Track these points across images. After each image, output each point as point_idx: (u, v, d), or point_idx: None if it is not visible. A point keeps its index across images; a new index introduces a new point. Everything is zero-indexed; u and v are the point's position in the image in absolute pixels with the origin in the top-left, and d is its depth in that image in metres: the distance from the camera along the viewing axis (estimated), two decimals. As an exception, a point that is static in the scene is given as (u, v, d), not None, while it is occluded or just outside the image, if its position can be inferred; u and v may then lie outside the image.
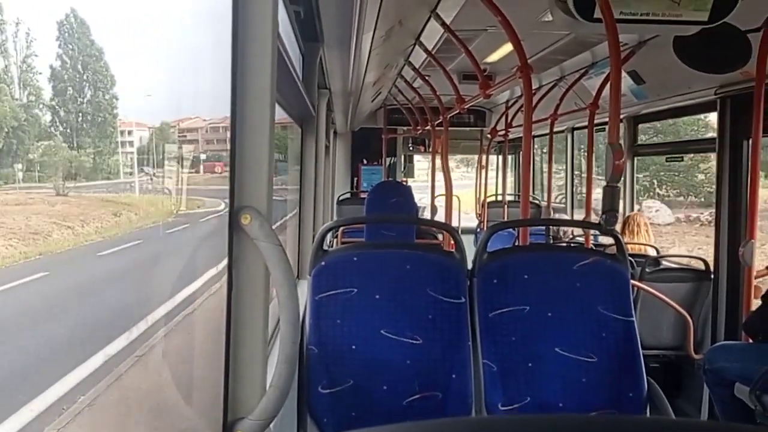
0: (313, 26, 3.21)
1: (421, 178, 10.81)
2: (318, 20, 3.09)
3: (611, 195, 2.42)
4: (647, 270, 4.33)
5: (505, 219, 7.86)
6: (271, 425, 1.43)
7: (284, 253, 1.36)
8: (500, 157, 9.72)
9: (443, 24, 3.85)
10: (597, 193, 5.52)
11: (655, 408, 2.47)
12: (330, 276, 2.49)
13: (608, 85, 4.42)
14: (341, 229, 5.89)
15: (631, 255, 3.69)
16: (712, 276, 4.24)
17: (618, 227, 3.22)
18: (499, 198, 8.61)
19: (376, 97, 7.67)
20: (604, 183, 2.61)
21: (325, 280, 2.49)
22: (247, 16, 1.35)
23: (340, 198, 8.12)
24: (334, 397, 2.42)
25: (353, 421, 2.42)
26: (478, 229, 8.17)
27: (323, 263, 2.50)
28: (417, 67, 5.39)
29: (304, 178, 4.10)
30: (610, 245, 4.41)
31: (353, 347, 2.46)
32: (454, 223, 7.26)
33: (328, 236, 3.23)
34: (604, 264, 2.59)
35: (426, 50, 4.65)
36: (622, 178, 3.71)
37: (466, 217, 9.41)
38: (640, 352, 2.51)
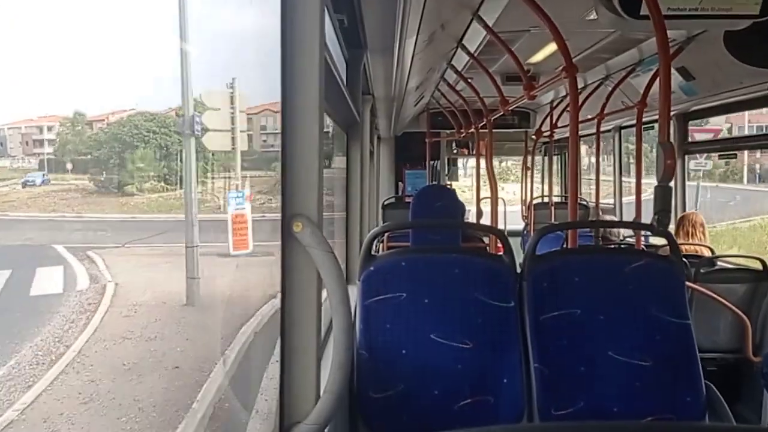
0: (357, 33, 3.24)
1: (467, 184, 10.79)
2: (361, 27, 3.11)
3: (663, 195, 2.38)
4: (702, 271, 4.22)
5: (552, 220, 7.76)
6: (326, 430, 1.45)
7: (336, 259, 1.38)
8: (546, 158, 9.61)
9: (486, 26, 3.84)
10: (647, 194, 5.41)
11: (715, 413, 2.40)
12: (379, 281, 2.50)
13: (656, 83, 4.34)
14: (387, 233, 5.91)
15: (684, 256, 3.61)
16: None
17: (671, 227, 3.15)
18: (545, 199, 8.51)
19: (419, 101, 7.67)
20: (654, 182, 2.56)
21: (374, 285, 2.50)
22: (295, 29, 1.38)
23: (385, 203, 8.15)
24: (385, 402, 2.43)
25: (405, 425, 2.42)
26: (525, 231, 8.09)
27: (372, 268, 2.51)
28: (459, 69, 5.38)
29: (351, 184, 4.13)
30: (662, 246, 4.32)
31: (403, 352, 2.46)
32: (500, 226, 7.21)
33: (374, 242, 3.25)
34: (657, 266, 2.54)
35: (468, 53, 4.63)
36: (674, 177, 3.64)
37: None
38: (698, 356, 2.45)
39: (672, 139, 5.18)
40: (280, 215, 1.40)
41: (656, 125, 5.85)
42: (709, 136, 7.96)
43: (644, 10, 2.57)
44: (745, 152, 9.98)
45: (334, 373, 1.37)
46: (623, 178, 7.39)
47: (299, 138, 1.41)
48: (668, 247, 2.60)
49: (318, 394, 1.44)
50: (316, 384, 1.45)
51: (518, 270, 2.59)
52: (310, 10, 1.40)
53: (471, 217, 8.34)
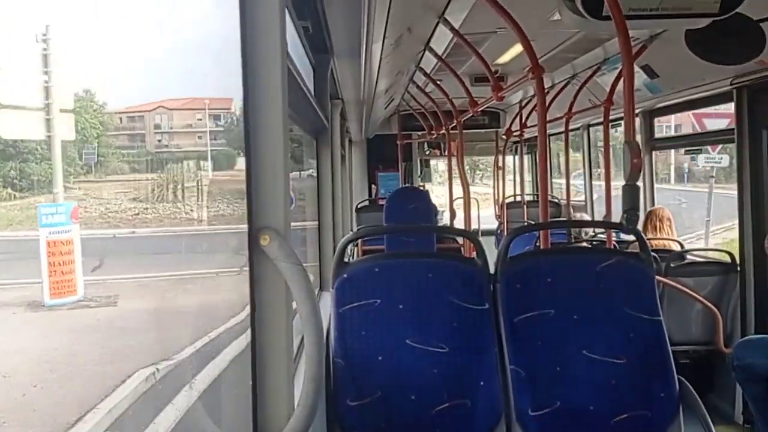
0: (322, 39, 3.23)
1: (442, 191, 10.81)
2: (327, 33, 3.10)
3: (631, 193, 2.40)
4: (672, 265, 4.28)
5: (525, 219, 7.82)
6: None
7: (305, 272, 1.36)
8: (516, 158, 9.68)
9: (452, 28, 3.85)
10: (616, 189, 5.47)
11: (688, 407, 2.43)
12: (353, 288, 2.49)
13: (621, 81, 4.38)
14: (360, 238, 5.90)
15: (654, 250, 3.65)
16: (739, 268, 4.18)
17: (639, 223, 3.19)
18: (518, 198, 8.57)
19: (389, 104, 7.68)
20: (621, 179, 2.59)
21: (348, 292, 2.49)
22: (255, 39, 1.36)
23: (359, 206, 8.13)
24: (363, 409, 2.42)
25: (383, 431, 2.42)
26: (499, 231, 8.13)
27: (345, 275, 2.50)
28: (428, 72, 5.39)
29: (322, 189, 4.11)
30: (633, 242, 4.37)
31: (379, 358, 2.46)
32: (474, 226, 7.24)
33: (349, 246, 3.24)
34: (628, 263, 2.57)
35: (436, 55, 4.64)
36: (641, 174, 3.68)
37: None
38: (670, 351, 2.48)
39: (638, 136, 5.25)
40: (247, 228, 1.38)
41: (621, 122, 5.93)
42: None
43: (606, 11, 2.59)
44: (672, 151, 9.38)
45: (306, 386, 1.35)
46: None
47: (264, 149, 1.39)
48: (638, 243, 2.63)
49: (292, 408, 1.42)
50: (289, 398, 1.43)
51: (492, 271, 2.60)
52: (270, 18, 1.38)
53: (445, 216, 8.37)
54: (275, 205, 1.39)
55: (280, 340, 1.41)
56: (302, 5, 2.65)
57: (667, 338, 2.50)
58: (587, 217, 7.03)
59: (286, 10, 1.51)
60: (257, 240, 1.36)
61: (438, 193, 10.47)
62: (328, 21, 2.82)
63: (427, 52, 4.65)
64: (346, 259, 2.57)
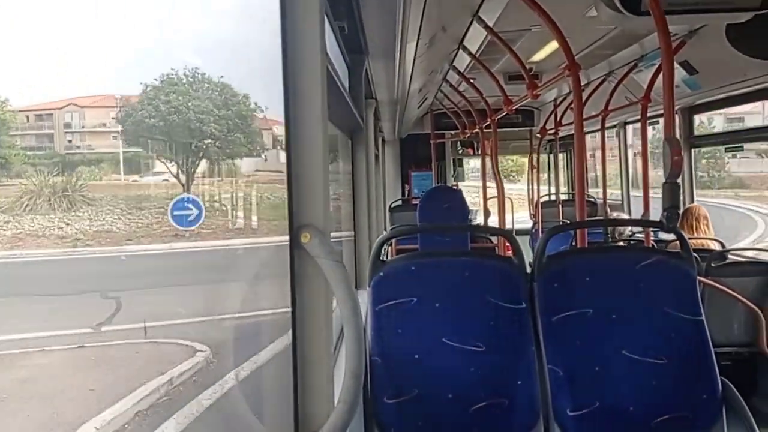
0: (357, 39, 3.25)
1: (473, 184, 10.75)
2: (362, 33, 3.12)
3: (671, 191, 2.36)
4: (713, 264, 4.20)
5: (560, 218, 7.75)
6: None
7: (345, 269, 1.37)
8: (551, 156, 9.59)
9: (486, 27, 3.84)
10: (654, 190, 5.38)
11: (731, 409, 2.39)
12: (389, 286, 2.50)
13: (660, 78, 4.32)
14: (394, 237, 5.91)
15: (693, 250, 3.58)
16: None
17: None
18: (553, 197, 8.49)
19: (422, 103, 7.67)
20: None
21: (384, 291, 2.50)
22: (296, 40, 1.38)
23: (392, 205, 8.14)
24: (400, 407, 2.43)
25: (420, 430, 2.42)
26: (533, 230, 8.07)
27: (382, 274, 2.51)
28: (462, 70, 5.38)
29: (357, 189, 4.13)
30: (671, 241, 4.31)
31: (416, 356, 2.46)
32: (508, 226, 7.19)
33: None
34: (668, 263, 2.53)
35: (470, 54, 4.63)
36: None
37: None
38: (712, 352, 2.44)
39: (677, 134, 5.17)
40: (288, 226, 1.40)
41: (661, 120, 5.83)
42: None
43: (645, 6, 2.56)
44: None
45: (347, 382, 1.36)
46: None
47: (304, 148, 1.41)
48: (678, 242, 2.59)
49: (332, 404, 1.44)
50: (329, 393, 1.45)
51: (528, 270, 2.58)
52: (310, 20, 1.40)
53: (478, 216, 8.34)
54: (315, 203, 1.40)
55: (321, 337, 1.42)
56: (338, 5, 2.67)
57: (709, 339, 2.45)
58: (624, 217, 6.93)
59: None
60: (298, 237, 1.38)
61: (468, 193, 10.42)
62: (363, 21, 2.84)
63: (460, 51, 4.64)
64: (382, 258, 2.58)
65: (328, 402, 1.45)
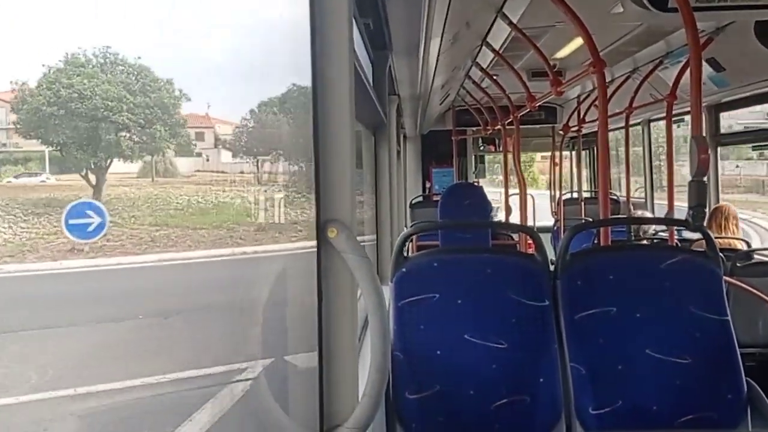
0: (382, 35, 3.26)
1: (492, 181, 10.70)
2: (387, 29, 3.13)
3: (698, 190, 2.34)
4: (738, 264, 4.15)
5: (583, 216, 7.70)
6: None
7: (371, 264, 1.39)
8: (574, 154, 9.53)
9: (510, 23, 3.82)
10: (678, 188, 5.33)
11: (756, 410, 2.37)
12: (411, 282, 2.51)
13: (686, 75, 4.27)
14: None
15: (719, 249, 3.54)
16: None
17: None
18: (575, 195, 8.44)
19: (445, 100, 7.66)
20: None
21: (406, 287, 2.51)
22: (324, 37, 1.39)
23: (413, 201, 8.14)
24: (421, 403, 2.44)
25: (441, 426, 2.43)
26: (555, 228, 8.03)
27: (404, 270, 2.52)
28: (485, 67, 5.36)
29: (380, 185, 4.15)
30: (696, 240, 4.26)
31: (438, 352, 2.47)
32: (529, 223, 7.16)
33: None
34: (694, 262, 2.51)
35: (493, 50, 4.62)
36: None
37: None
38: (738, 352, 2.42)
39: (703, 131, 5.11)
40: (315, 221, 1.42)
41: (686, 117, 5.77)
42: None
43: (672, 3, 2.54)
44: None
45: (372, 376, 1.38)
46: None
47: (331, 144, 1.42)
48: (704, 241, 2.57)
49: (356, 397, 1.46)
50: (354, 387, 1.46)
51: (551, 268, 2.58)
52: (339, 17, 1.41)
53: (499, 213, 8.31)
54: (342, 199, 1.42)
55: (347, 331, 1.44)
56: (364, 2, 2.68)
57: (735, 339, 2.43)
58: (648, 215, 6.87)
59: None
60: (325, 232, 1.39)
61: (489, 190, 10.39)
62: (388, 18, 2.85)
63: (484, 47, 4.63)
64: (404, 254, 2.59)
65: (353, 396, 1.46)
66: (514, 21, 3.81)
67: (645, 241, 5.68)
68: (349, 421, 1.42)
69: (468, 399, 2.44)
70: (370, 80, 3.41)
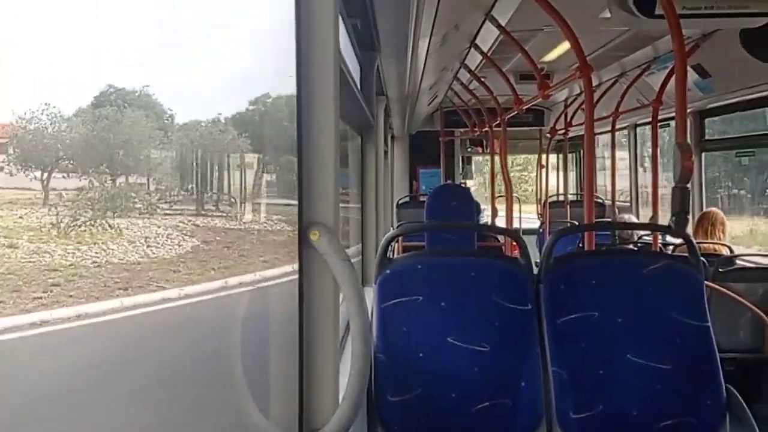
0: (370, 36, 3.25)
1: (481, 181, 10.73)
2: (375, 30, 3.12)
3: (681, 196, 2.35)
4: (720, 270, 4.18)
5: (568, 219, 7.73)
6: None
7: (353, 268, 1.38)
8: (560, 156, 9.57)
9: (498, 26, 3.83)
10: (663, 190, 5.37)
11: (735, 416, 2.38)
12: (395, 284, 2.51)
13: (672, 81, 4.30)
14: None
15: (702, 254, 3.57)
16: None
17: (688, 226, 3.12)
18: (561, 198, 8.48)
19: (433, 101, 7.67)
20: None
21: (390, 289, 2.50)
22: (309, 37, 1.38)
23: (400, 202, 8.14)
24: (403, 405, 2.43)
25: (423, 428, 2.43)
26: (540, 230, 8.06)
27: (388, 272, 2.51)
28: (473, 69, 5.37)
29: (366, 186, 4.14)
30: (680, 245, 4.29)
31: (420, 355, 2.47)
32: (515, 225, 7.18)
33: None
34: (676, 267, 2.52)
35: (482, 52, 4.63)
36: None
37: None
38: (718, 358, 2.43)
39: (688, 137, 5.15)
40: (297, 224, 1.41)
41: (672, 123, 5.81)
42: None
43: (659, 9, 2.55)
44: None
45: (353, 379, 1.37)
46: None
47: (315, 146, 1.41)
48: (686, 247, 2.59)
49: (337, 401, 1.45)
50: (335, 391, 1.46)
51: (535, 271, 2.58)
52: (325, 17, 1.40)
53: (485, 216, 8.33)
54: (325, 202, 1.41)
55: (328, 334, 1.43)
56: (351, 2, 2.67)
57: (715, 345, 2.45)
58: (633, 219, 6.91)
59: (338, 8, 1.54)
60: (307, 235, 1.38)
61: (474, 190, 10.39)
62: (376, 18, 2.84)
63: (472, 50, 4.64)
64: (389, 255, 2.59)
65: (333, 399, 1.45)
66: (503, 24, 3.81)
67: (630, 245, 5.71)
68: (329, 424, 1.41)
69: (450, 402, 2.44)
70: (358, 81, 3.39)
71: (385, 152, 6.74)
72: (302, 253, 1.39)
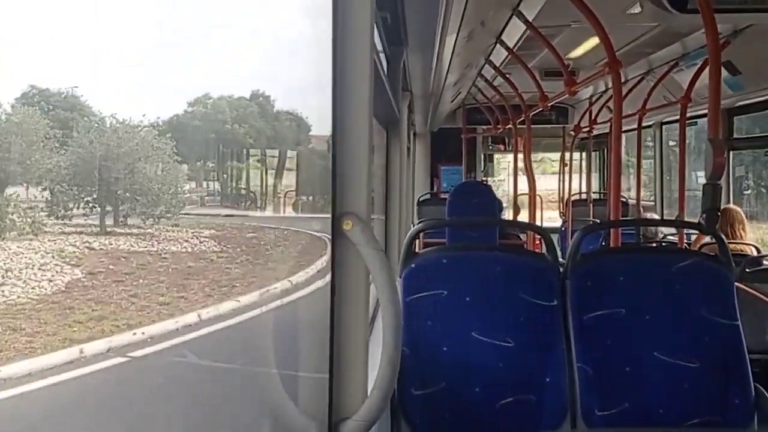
0: (398, 30, 3.25)
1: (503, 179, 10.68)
2: (403, 25, 3.12)
3: (712, 193, 2.33)
4: (747, 270, 4.13)
5: (591, 218, 7.67)
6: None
7: (385, 258, 1.38)
8: (584, 155, 9.50)
9: (526, 21, 3.81)
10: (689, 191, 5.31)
11: (763, 416, 2.35)
12: (420, 278, 2.50)
13: (701, 77, 4.25)
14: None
15: None
16: None
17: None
18: (584, 196, 8.41)
19: (456, 97, 7.64)
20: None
21: (415, 282, 2.50)
22: (346, 31, 1.39)
23: (420, 199, 8.13)
24: (426, 399, 2.43)
25: (446, 423, 2.42)
26: (563, 228, 8.01)
27: (413, 265, 2.51)
28: (497, 65, 5.35)
29: (390, 180, 4.14)
30: (706, 244, 4.24)
31: (444, 349, 2.46)
32: (537, 223, 7.14)
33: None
34: (705, 265, 2.50)
35: (507, 48, 4.60)
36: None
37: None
38: (747, 358, 2.40)
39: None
40: (330, 214, 1.41)
41: (699, 121, 5.74)
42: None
43: (692, 4, 2.53)
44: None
45: (383, 369, 1.37)
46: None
47: (349, 137, 1.42)
48: (716, 245, 2.55)
49: (365, 391, 1.45)
50: (364, 380, 1.46)
51: (559, 268, 2.57)
52: (361, 9, 1.40)
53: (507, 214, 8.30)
54: (359, 192, 1.41)
55: (359, 325, 1.43)
56: (381, -4, 2.68)
57: (744, 344, 2.42)
58: (658, 218, 6.84)
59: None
60: (340, 225, 1.39)
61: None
62: (405, 13, 2.84)
63: (498, 45, 4.62)
64: (413, 250, 2.59)
65: (362, 390, 1.46)
66: (530, 19, 3.79)
67: (654, 245, 5.66)
68: (358, 414, 1.41)
69: (473, 397, 2.44)
70: (385, 75, 3.40)
71: (408, 149, 6.74)
72: (335, 243, 1.40)
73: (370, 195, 1.45)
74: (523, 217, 7.10)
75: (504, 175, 10.66)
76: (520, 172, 7.27)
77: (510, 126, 7.11)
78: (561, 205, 8.66)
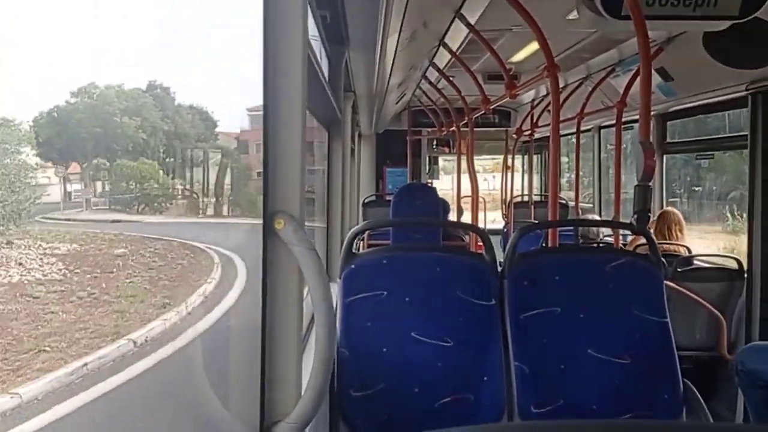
0: (339, 30, 3.23)
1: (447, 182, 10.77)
2: (344, 24, 3.10)
3: (643, 194, 2.39)
4: (678, 269, 4.27)
5: (532, 219, 7.81)
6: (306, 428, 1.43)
7: (318, 257, 1.36)
8: (525, 157, 9.67)
9: (468, 24, 3.84)
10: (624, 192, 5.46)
11: (692, 411, 2.43)
12: (360, 279, 2.49)
13: (636, 83, 4.37)
14: (367, 231, 5.90)
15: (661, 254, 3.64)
16: (746, 275, 4.17)
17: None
18: (525, 198, 8.55)
19: (401, 99, 7.67)
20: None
21: (355, 283, 2.49)
22: (277, 26, 1.36)
23: (366, 200, 8.12)
24: (366, 400, 2.42)
25: (386, 423, 2.42)
26: (505, 230, 8.13)
27: (353, 266, 2.50)
28: (441, 68, 5.38)
29: (332, 182, 4.11)
30: (641, 245, 4.37)
31: (384, 350, 2.46)
32: (480, 225, 7.23)
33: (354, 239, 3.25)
34: (637, 264, 2.56)
35: (450, 51, 4.64)
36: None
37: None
38: (676, 354, 2.48)
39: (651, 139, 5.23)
40: (262, 213, 1.39)
41: (635, 125, 5.91)
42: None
43: (625, 11, 2.59)
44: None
45: (316, 369, 1.36)
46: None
47: (282, 135, 1.39)
48: (647, 245, 2.63)
49: (299, 392, 1.43)
50: (297, 382, 1.44)
51: (499, 268, 2.59)
52: (293, 6, 1.38)
53: (452, 216, 8.36)
54: (291, 190, 1.39)
55: (291, 324, 1.41)
56: (321, -6, 2.66)
57: (673, 341, 2.49)
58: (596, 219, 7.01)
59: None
60: (272, 224, 1.36)
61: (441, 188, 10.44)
62: (346, 11, 2.82)
63: (441, 48, 4.64)
64: (353, 251, 2.57)
65: (296, 392, 1.44)
66: (472, 23, 3.82)
67: (592, 245, 5.79)
68: (291, 416, 1.39)
69: (412, 397, 2.44)
70: (326, 74, 3.37)
71: (352, 150, 6.72)
72: (266, 242, 1.37)
73: (303, 194, 1.43)
74: (468, 218, 7.17)
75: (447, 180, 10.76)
76: (463, 174, 7.35)
77: (454, 128, 7.17)
78: (503, 207, 8.79)
